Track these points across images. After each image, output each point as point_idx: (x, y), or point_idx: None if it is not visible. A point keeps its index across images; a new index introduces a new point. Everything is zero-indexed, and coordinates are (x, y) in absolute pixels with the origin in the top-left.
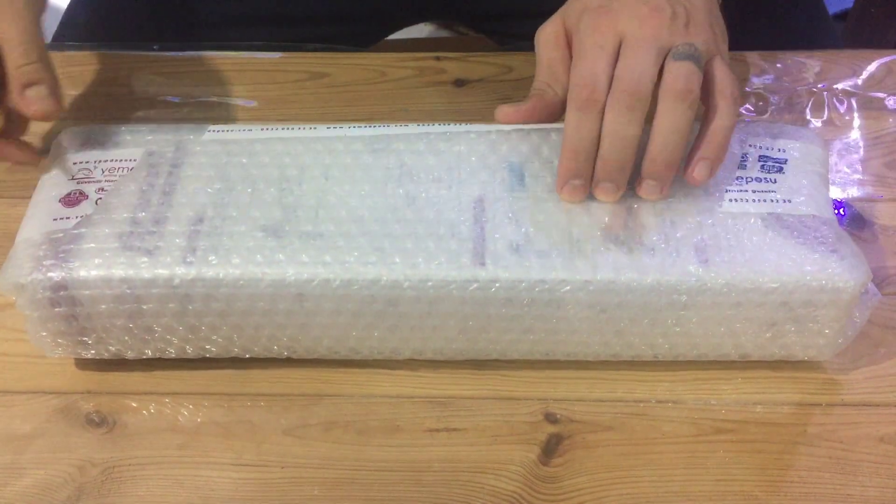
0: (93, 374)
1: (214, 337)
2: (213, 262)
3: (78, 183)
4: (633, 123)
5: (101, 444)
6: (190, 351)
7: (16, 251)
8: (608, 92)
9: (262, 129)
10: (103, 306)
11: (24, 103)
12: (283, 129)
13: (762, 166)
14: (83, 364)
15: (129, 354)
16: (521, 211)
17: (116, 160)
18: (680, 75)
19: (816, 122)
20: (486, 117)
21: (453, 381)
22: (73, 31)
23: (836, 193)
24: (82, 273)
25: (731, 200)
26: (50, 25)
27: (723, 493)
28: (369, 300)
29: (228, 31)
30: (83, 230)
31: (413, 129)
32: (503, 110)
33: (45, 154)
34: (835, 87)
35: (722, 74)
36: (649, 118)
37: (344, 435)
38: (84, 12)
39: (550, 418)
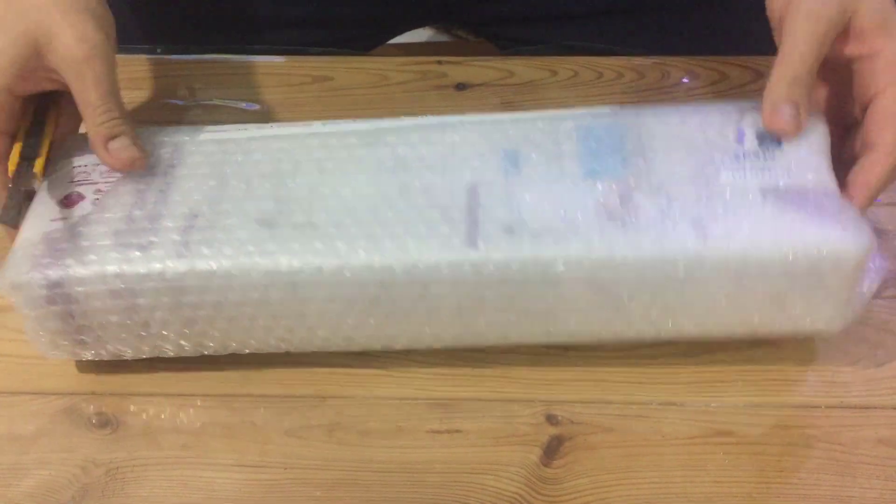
0: (96, 376)
1: (211, 331)
2: (206, 254)
3: (76, 185)
4: None
5: (104, 445)
6: (188, 348)
7: (14, 252)
8: None
9: (257, 128)
10: (99, 303)
11: (109, 156)
12: (278, 126)
13: (760, 142)
14: (86, 366)
15: (128, 354)
16: (515, 194)
17: None
18: None
19: None
20: None
21: (455, 382)
22: None
23: None
24: (77, 270)
25: (728, 174)
26: None
27: (722, 495)
28: (362, 286)
29: (231, 34)
30: (80, 229)
31: (407, 121)
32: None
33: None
34: None
35: None
36: None
37: (346, 436)
38: None
39: (552, 420)
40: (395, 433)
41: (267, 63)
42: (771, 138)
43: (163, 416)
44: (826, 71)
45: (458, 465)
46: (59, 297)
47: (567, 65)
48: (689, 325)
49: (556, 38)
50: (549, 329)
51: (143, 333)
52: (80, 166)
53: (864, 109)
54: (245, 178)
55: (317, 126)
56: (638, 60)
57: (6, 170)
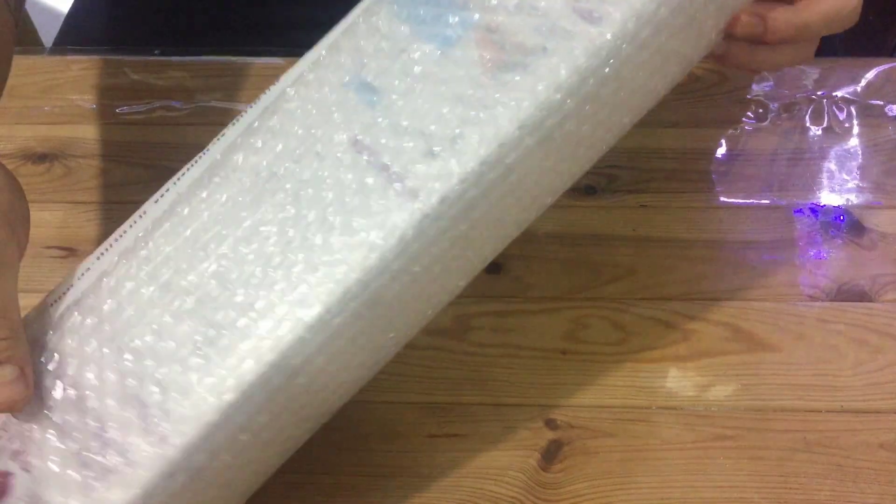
0: None
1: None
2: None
3: None
4: None
5: None
6: None
7: None
8: None
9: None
10: None
11: None
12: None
13: None
14: None
15: None
16: (398, 115)
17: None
18: None
19: (816, 130)
20: None
21: (454, 386)
22: (74, 37)
23: (835, 200)
24: None
25: None
26: (51, 31)
27: (722, 500)
28: (348, 326)
29: (230, 36)
30: None
31: (236, 128)
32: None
33: None
34: (834, 94)
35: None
36: None
37: (344, 440)
38: (85, 18)
39: (551, 424)
40: (394, 437)
41: (267, 65)
42: None
43: None
44: None
45: (457, 469)
46: None
47: None
48: (644, 96)
49: None
50: (535, 199)
51: None
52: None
53: None
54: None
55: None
56: None
57: None
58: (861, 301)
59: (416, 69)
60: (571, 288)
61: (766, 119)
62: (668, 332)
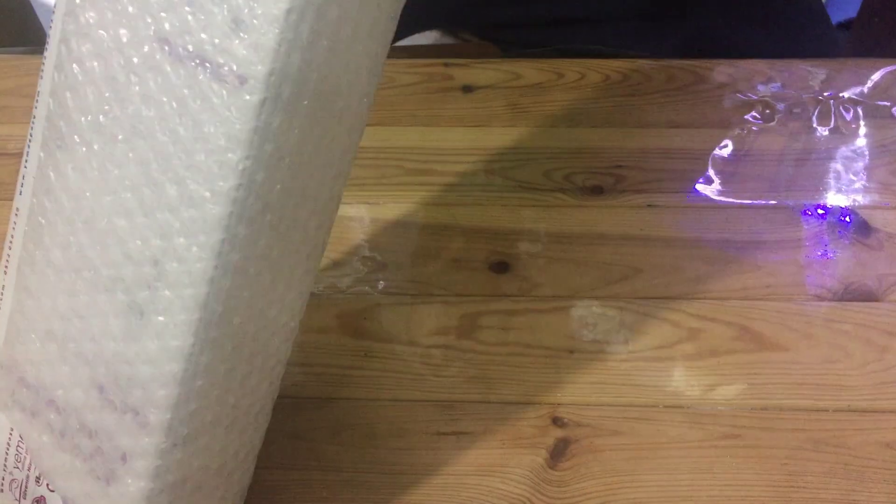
0: None
1: None
2: None
3: None
4: None
5: None
6: None
7: None
8: None
9: None
10: None
11: None
12: None
13: None
14: None
15: None
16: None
17: None
18: None
19: (823, 131)
20: (494, 124)
21: (461, 384)
22: None
23: (841, 201)
24: None
25: None
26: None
27: (729, 498)
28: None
29: None
30: None
31: None
32: None
33: None
34: (841, 95)
35: None
36: None
37: (352, 438)
38: None
39: (558, 422)
40: (401, 435)
41: None
42: None
43: None
44: None
45: (464, 467)
46: None
47: (574, 67)
48: None
49: (560, 42)
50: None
51: None
52: None
53: None
54: None
55: None
56: (644, 63)
57: None
58: (868, 301)
59: None
60: (579, 287)
61: (773, 120)
62: (675, 332)
